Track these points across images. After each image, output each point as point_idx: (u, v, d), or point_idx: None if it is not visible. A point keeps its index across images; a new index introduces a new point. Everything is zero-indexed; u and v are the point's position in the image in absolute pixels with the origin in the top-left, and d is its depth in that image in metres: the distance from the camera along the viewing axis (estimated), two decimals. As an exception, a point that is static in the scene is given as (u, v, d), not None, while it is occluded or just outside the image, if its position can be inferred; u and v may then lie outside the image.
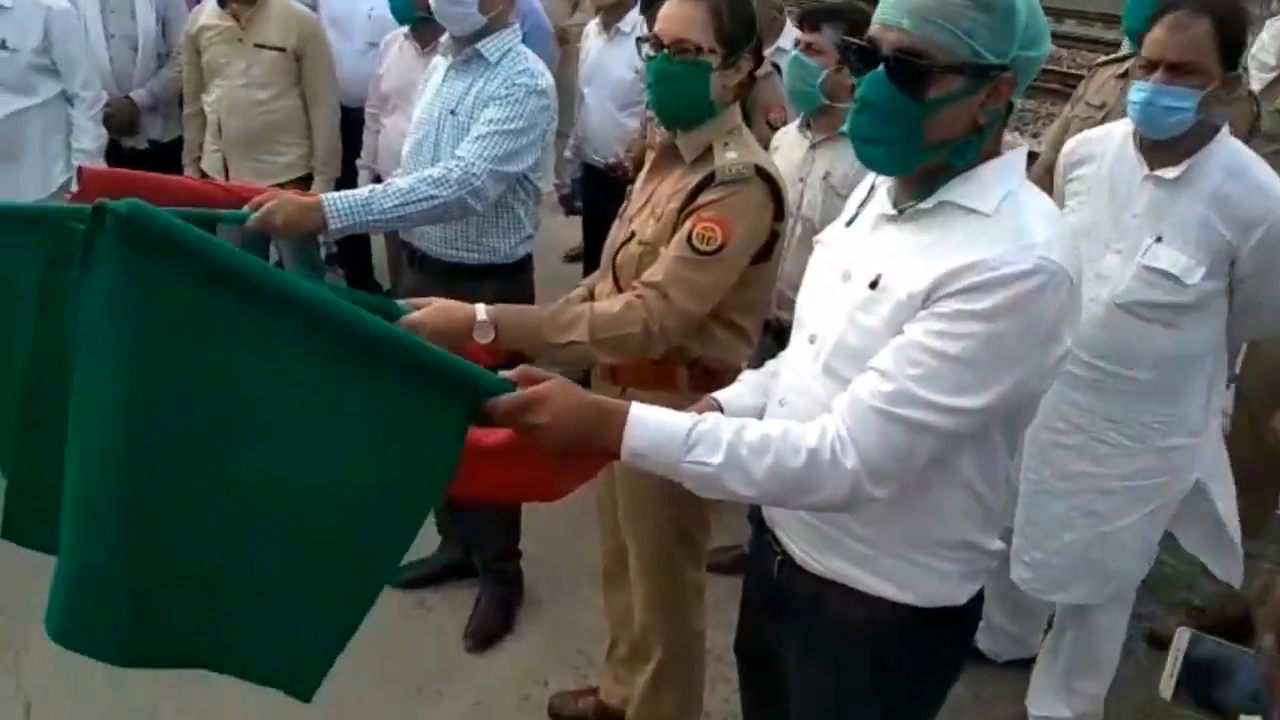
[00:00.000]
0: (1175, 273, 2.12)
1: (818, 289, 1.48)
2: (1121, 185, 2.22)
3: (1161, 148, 2.15)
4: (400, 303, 1.80)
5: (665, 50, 1.88)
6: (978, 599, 1.50)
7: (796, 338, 1.50)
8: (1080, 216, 2.28)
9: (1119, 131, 2.27)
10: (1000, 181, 1.31)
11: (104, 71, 3.64)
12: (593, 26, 4.08)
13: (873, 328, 1.32)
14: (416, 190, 2.22)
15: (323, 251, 4.91)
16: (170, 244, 1.13)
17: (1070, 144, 2.42)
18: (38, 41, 3.32)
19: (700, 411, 1.60)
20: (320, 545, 1.26)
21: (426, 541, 3.07)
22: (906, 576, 1.42)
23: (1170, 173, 2.13)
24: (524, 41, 2.50)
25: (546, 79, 2.39)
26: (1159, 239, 2.14)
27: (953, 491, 1.38)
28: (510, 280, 2.54)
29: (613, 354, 1.91)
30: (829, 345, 1.39)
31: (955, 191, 1.32)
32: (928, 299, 1.26)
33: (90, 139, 3.47)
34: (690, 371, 2.00)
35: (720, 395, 1.66)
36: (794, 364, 1.49)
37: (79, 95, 3.44)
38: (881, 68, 1.27)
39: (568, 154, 4.42)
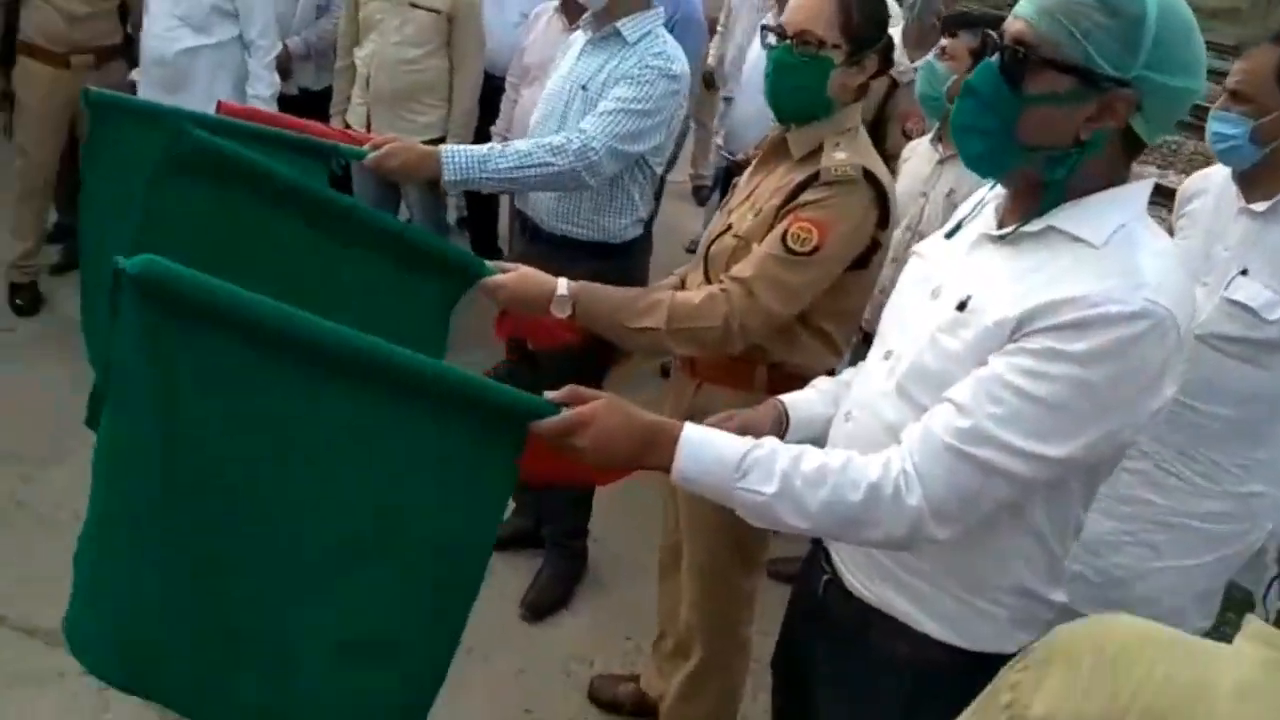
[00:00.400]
0: (1254, 306, 2.03)
1: (904, 303, 1.43)
2: (1220, 218, 2.16)
3: (1257, 181, 2.08)
4: (488, 264, 1.82)
5: (788, 41, 1.85)
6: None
7: (875, 351, 1.44)
8: (1179, 250, 2.22)
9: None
10: (1115, 212, 1.22)
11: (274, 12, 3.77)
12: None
13: (954, 352, 1.26)
14: (534, 155, 2.24)
15: (453, 216, 5.04)
16: (189, 298, 1.11)
17: (1188, 180, 2.37)
18: None
19: (763, 413, 1.60)
20: (388, 597, 1.23)
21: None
22: (957, 616, 1.36)
23: (1260, 205, 2.07)
24: (673, 30, 2.50)
25: (681, 65, 2.38)
26: (1244, 272, 2.07)
27: (1019, 537, 1.31)
28: (616, 262, 2.55)
29: (687, 345, 1.89)
30: (905, 364, 1.34)
31: (1064, 217, 1.24)
32: (1017, 330, 1.19)
33: (264, 85, 3.63)
34: (770, 374, 1.97)
35: (788, 398, 1.63)
36: (867, 378, 1.44)
37: (255, 43, 3.60)
38: (995, 56, 1.22)
39: (718, 141, 4.40)
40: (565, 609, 2.95)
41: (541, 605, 2.91)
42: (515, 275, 1.82)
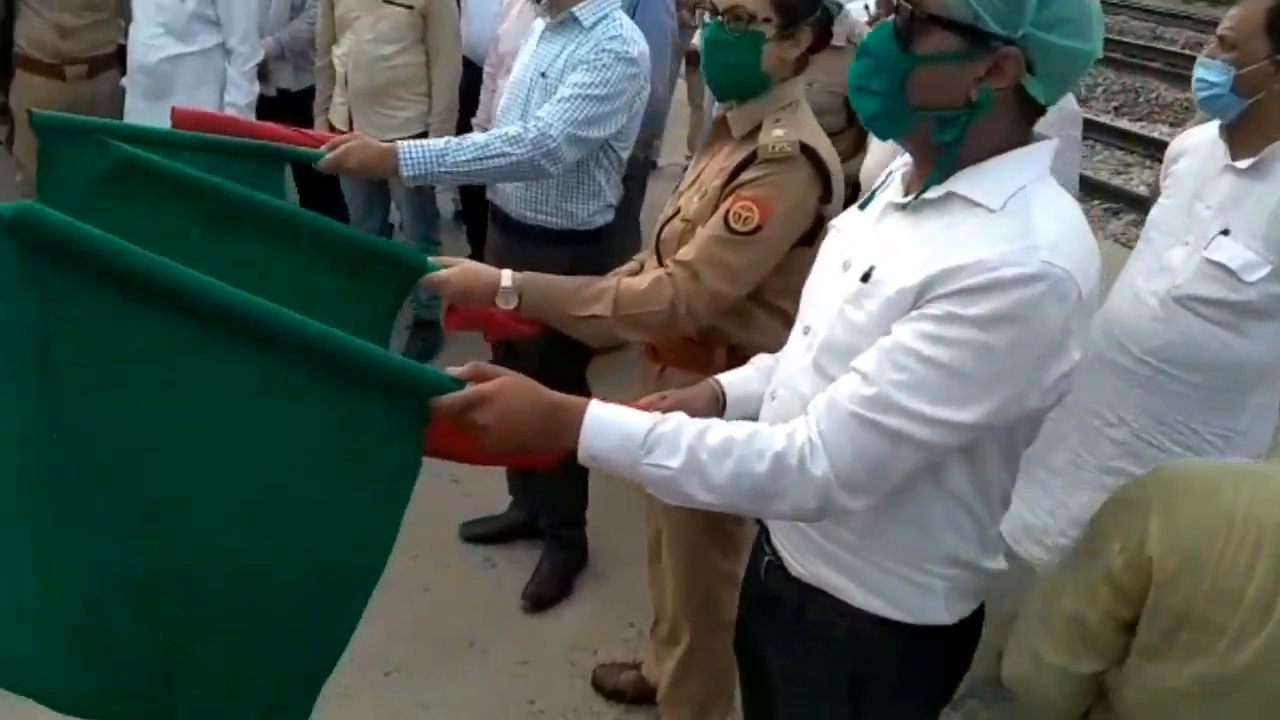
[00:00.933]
0: (1234, 267, 1.98)
1: (819, 278, 1.41)
2: (1205, 176, 2.10)
3: (1242, 137, 2.03)
4: (430, 259, 1.80)
5: (719, 18, 1.82)
6: (974, 620, 1.40)
7: (796, 328, 1.43)
8: (1160, 210, 2.17)
9: (1217, 124, 2.14)
10: (1014, 175, 1.20)
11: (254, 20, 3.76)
12: None
13: (861, 324, 1.24)
14: (491, 146, 2.22)
15: (449, 210, 5.03)
16: (71, 247, 1.06)
17: (1176, 139, 2.32)
18: None
19: (699, 393, 1.60)
20: (288, 569, 1.20)
21: (499, 498, 3.13)
22: (890, 589, 1.34)
23: (1244, 162, 2.01)
24: (634, 13, 2.46)
25: (639, 47, 2.35)
26: (1225, 232, 2.01)
27: (941, 504, 1.29)
28: (587, 248, 2.53)
29: (635, 331, 1.87)
30: (819, 339, 1.32)
31: (963, 183, 1.22)
32: (920, 298, 1.17)
33: (241, 94, 3.63)
34: (729, 355, 1.94)
35: (725, 377, 1.63)
36: (789, 356, 1.43)
37: (235, 50, 3.60)
38: (892, 17, 1.20)
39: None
40: (566, 599, 2.95)
41: (542, 596, 2.91)
42: (458, 270, 1.80)
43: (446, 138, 2.25)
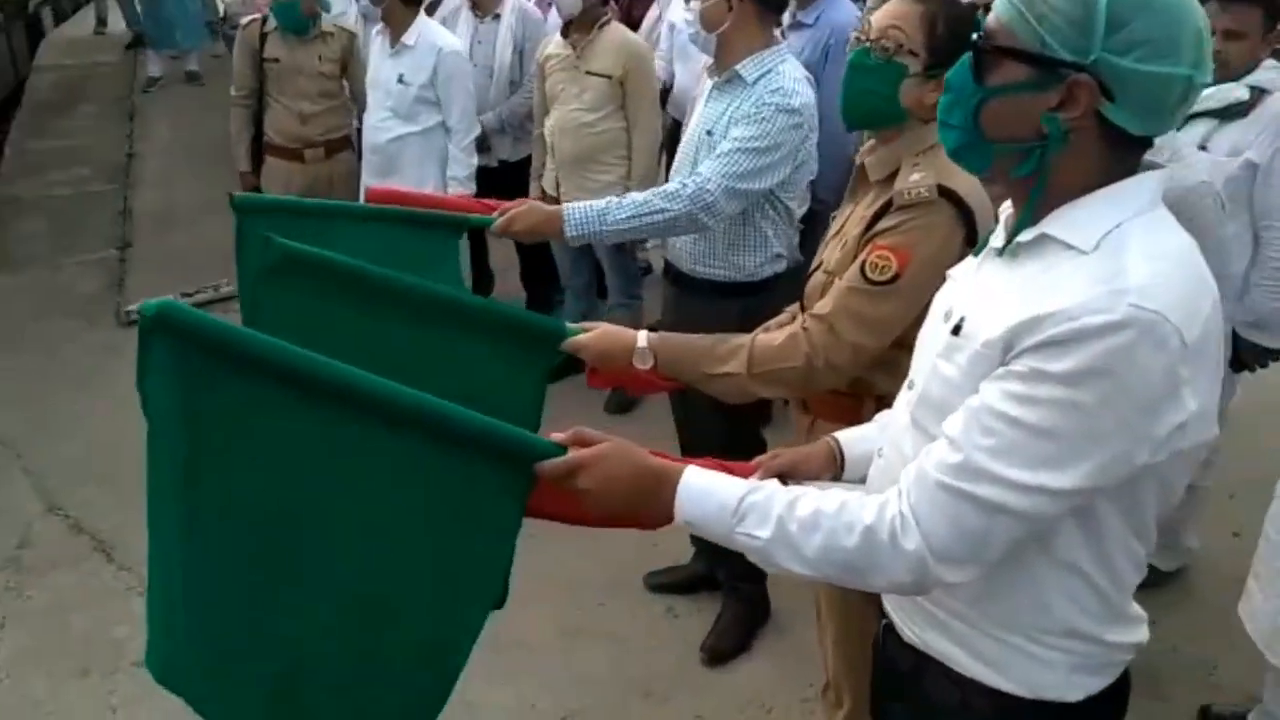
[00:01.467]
0: None
1: (926, 329, 1.36)
2: None
3: None
4: (569, 325, 1.86)
5: (868, 42, 1.78)
6: (1110, 698, 1.28)
7: (905, 383, 1.38)
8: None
9: None
10: (1107, 214, 1.12)
11: (473, 97, 4.10)
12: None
13: (952, 379, 1.19)
14: (649, 204, 2.29)
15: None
16: (206, 338, 1.19)
17: None
18: (426, 78, 3.88)
19: (813, 452, 1.58)
20: (396, 627, 1.28)
21: (687, 549, 3.15)
22: (1005, 661, 1.25)
23: None
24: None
25: (801, 98, 2.35)
26: None
27: (1055, 572, 1.20)
28: (756, 299, 2.52)
29: (772, 388, 1.84)
30: (917, 394, 1.28)
31: (1057, 224, 1.14)
32: (1007, 351, 1.10)
33: (461, 168, 3.99)
34: (879, 406, 1.86)
35: (844, 435, 1.59)
36: (895, 411, 1.38)
37: (454, 128, 3.97)
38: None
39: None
40: (746, 654, 2.91)
41: (721, 649, 2.89)
42: (597, 334, 1.84)
43: (609, 198, 2.34)
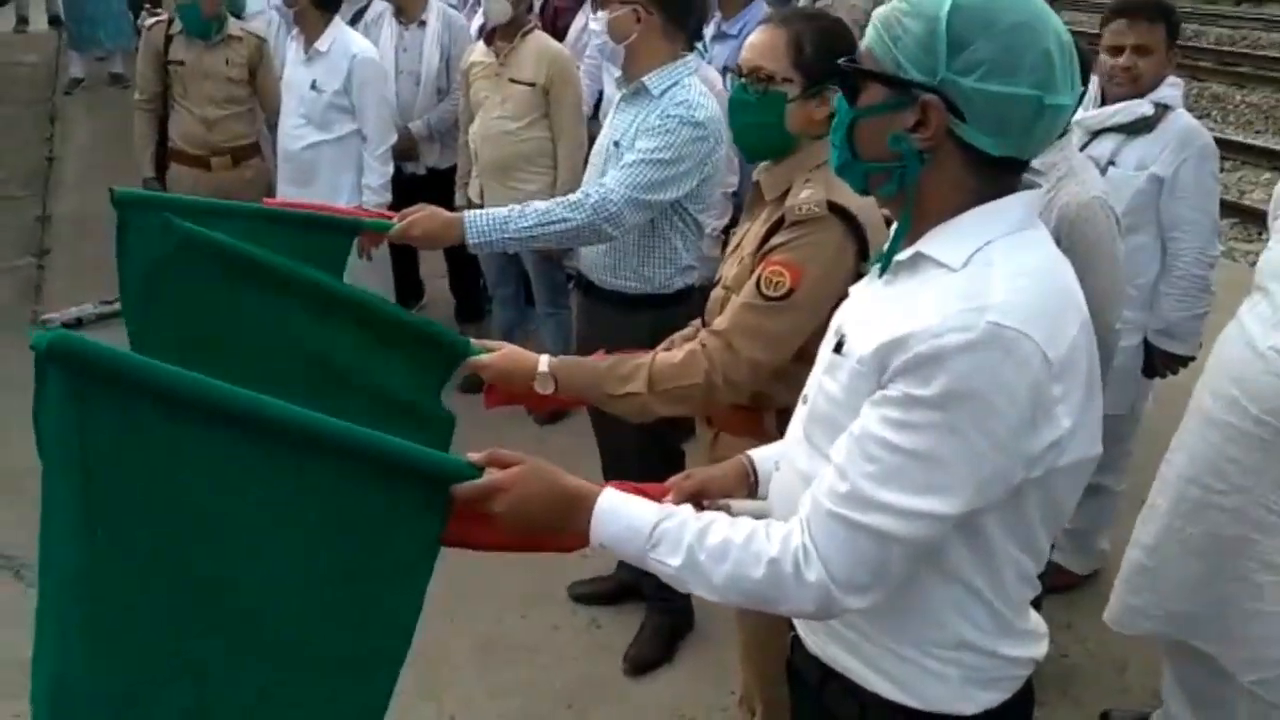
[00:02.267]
0: None
1: (822, 346, 1.36)
2: None
3: None
4: (472, 343, 1.85)
5: (742, 79, 1.82)
6: (1004, 712, 1.29)
7: (801, 397, 1.39)
8: (1276, 255, 1.93)
9: None
10: (976, 232, 1.14)
11: (390, 104, 4.08)
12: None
13: (835, 395, 1.21)
14: (552, 213, 2.29)
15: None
16: (102, 368, 1.14)
17: None
18: (340, 84, 3.83)
19: (726, 470, 1.58)
20: (313, 657, 1.26)
21: (607, 559, 3.14)
22: (901, 674, 1.26)
23: None
24: None
25: (706, 112, 2.37)
26: None
27: (945, 589, 1.21)
28: (667, 311, 2.53)
29: (674, 406, 1.85)
30: (807, 410, 1.30)
31: (931, 242, 1.17)
32: (881, 369, 1.12)
33: (375, 176, 3.93)
34: (779, 418, 1.89)
35: (757, 452, 1.60)
36: (791, 427, 1.39)
37: (369, 136, 3.91)
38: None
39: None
40: (668, 664, 2.91)
41: (643, 660, 2.88)
42: (500, 355, 1.83)
43: (511, 206, 2.33)
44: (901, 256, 1.19)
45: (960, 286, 1.10)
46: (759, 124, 1.83)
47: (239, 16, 4.27)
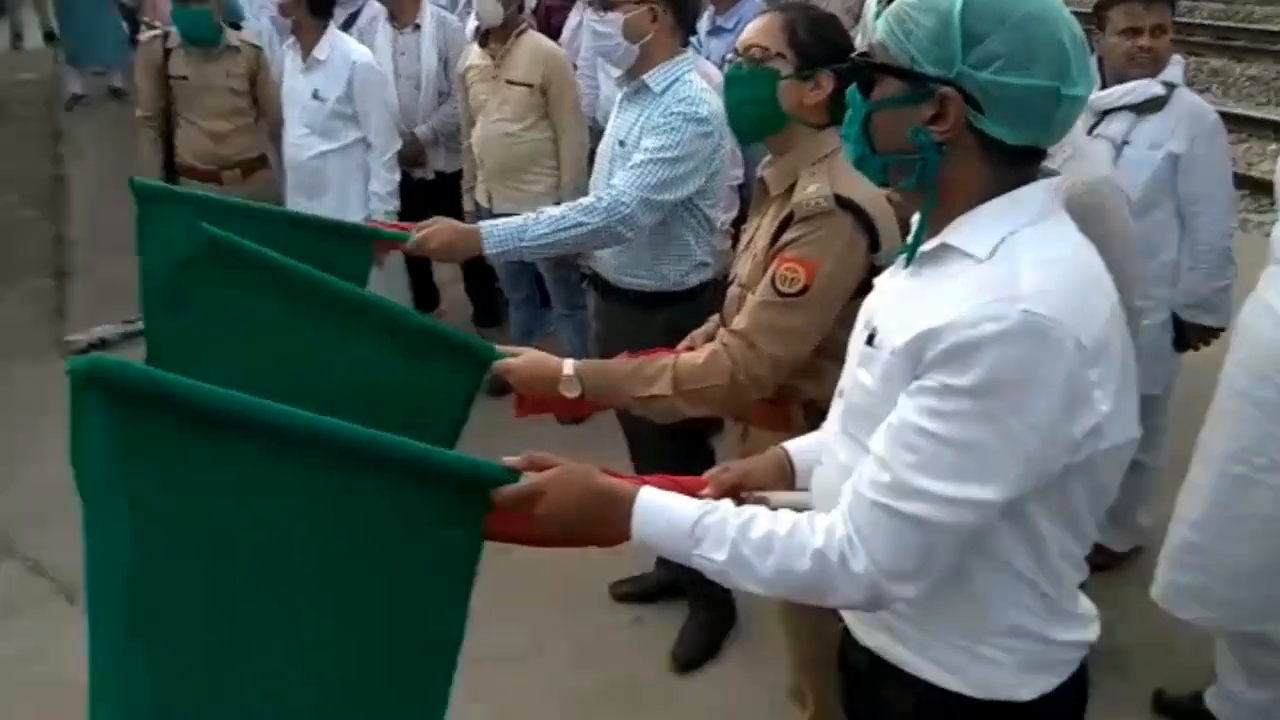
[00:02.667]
0: None
1: (853, 338, 1.37)
2: None
3: None
4: (498, 348, 1.85)
5: (739, 57, 1.85)
6: (1060, 696, 1.30)
7: (837, 390, 1.40)
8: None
9: None
10: (1000, 222, 1.15)
11: (392, 109, 4.04)
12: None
13: (870, 388, 1.22)
14: (567, 218, 2.29)
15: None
16: (143, 393, 1.13)
17: None
18: (342, 91, 3.80)
19: (763, 462, 1.60)
20: (365, 668, 1.27)
21: (645, 556, 3.13)
22: (954, 662, 1.28)
23: None
24: None
25: (709, 107, 2.35)
26: None
27: (994, 575, 1.22)
28: (684, 307, 2.53)
29: (700, 406, 1.85)
30: (844, 403, 1.32)
31: (955, 233, 1.18)
32: (915, 360, 1.13)
33: (382, 184, 3.91)
34: (806, 411, 1.91)
35: (793, 445, 1.61)
36: (829, 420, 1.41)
37: (373, 143, 3.89)
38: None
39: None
40: (714, 660, 2.91)
41: (690, 657, 2.88)
42: (523, 359, 1.85)
43: (526, 215, 2.32)
44: (926, 248, 1.20)
45: (990, 277, 1.11)
46: (752, 99, 1.85)
47: (237, 27, 4.23)
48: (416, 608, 1.28)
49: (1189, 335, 2.89)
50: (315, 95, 3.81)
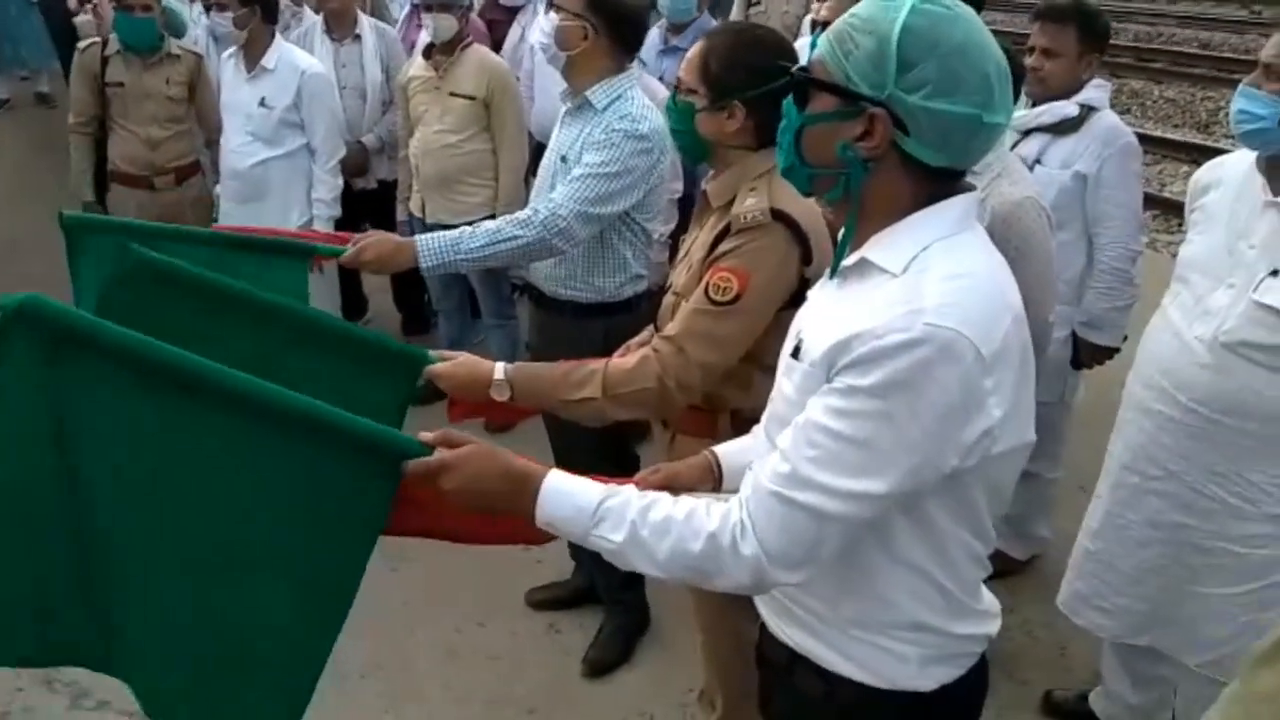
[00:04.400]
0: None
1: (784, 348, 1.43)
2: (1242, 213, 1.98)
3: None
4: (431, 353, 1.89)
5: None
6: (960, 686, 1.37)
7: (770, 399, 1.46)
8: (1194, 248, 2.06)
9: (1250, 155, 2.02)
10: (914, 238, 1.22)
11: (338, 118, 4.09)
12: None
13: (789, 396, 1.29)
14: (502, 231, 2.34)
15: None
16: (73, 330, 1.22)
17: (1200, 170, 2.21)
18: (290, 100, 3.83)
19: (693, 465, 1.63)
20: (265, 608, 1.32)
21: (563, 564, 3.19)
22: (861, 654, 1.34)
23: None
24: None
25: (650, 124, 2.42)
26: (1275, 272, 1.89)
27: (895, 571, 1.29)
28: (620, 319, 2.58)
29: (629, 410, 1.90)
30: (768, 410, 1.38)
31: (874, 248, 1.25)
32: (830, 370, 1.20)
33: (326, 190, 3.94)
34: (733, 419, 1.97)
35: (722, 448, 1.66)
36: (759, 426, 1.47)
37: (318, 150, 3.92)
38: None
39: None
40: (627, 664, 2.96)
41: (602, 661, 2.93)
42: (456, 363, 1.87)
43: (461, 228, 2.37)
44: (849, 262, 1.27)
45: (900, 291, 1.18)
46: (677, 129, 1.97)
47: (179, 37, 4.23)
48: (315, 564, 1.33)
49: (1083, 353, 2.99)
50: (262, 103, 3.82)
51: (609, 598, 3.02)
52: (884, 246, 1.24)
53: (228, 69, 3.96)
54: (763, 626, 1.51)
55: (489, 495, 1.32)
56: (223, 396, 1.26)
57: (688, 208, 3.43)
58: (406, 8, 4.84)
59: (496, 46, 4.39)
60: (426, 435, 1.36)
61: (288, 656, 1.35)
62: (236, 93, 3.88)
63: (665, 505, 1.28)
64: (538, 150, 4.09)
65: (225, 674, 1.34)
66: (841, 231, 1.29)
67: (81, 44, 4.17)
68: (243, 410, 1.26)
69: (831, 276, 1.32)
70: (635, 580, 2.98)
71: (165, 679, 1.36)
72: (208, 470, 1.28)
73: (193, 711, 1.37)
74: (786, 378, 1.31)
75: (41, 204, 6.27)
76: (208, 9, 4.28)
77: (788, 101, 1.30)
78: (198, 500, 1.29)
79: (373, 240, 2.23)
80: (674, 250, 3.09)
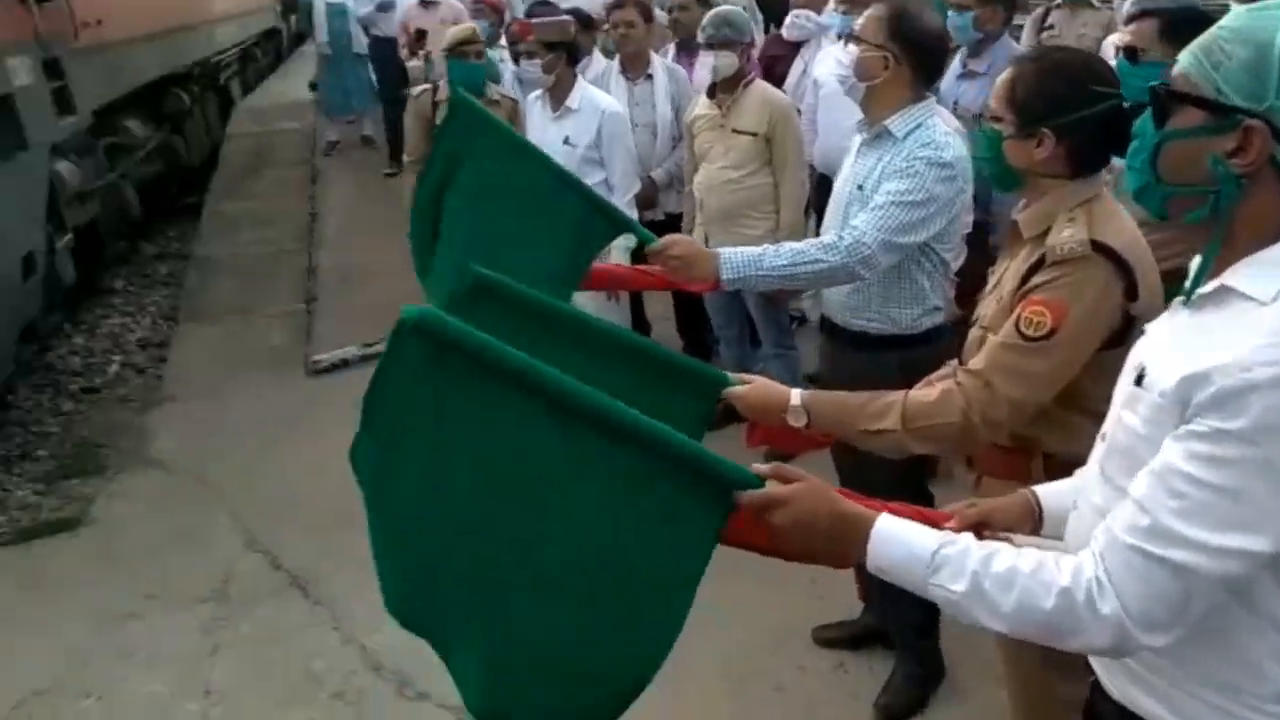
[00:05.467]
0: None
1: (1120, 382, 1.34)
2: None
3: None
4: (730, 375, 1.90)
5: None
6: None
7: (1099, 435, 1.37)
8: None
9: None
10: None
11: (632, 155, 4.26)
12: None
13: (1134, 428, 1.19)
14: (806, 253, 2.33)
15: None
16: (463, 345, 1.33)
17: None
18: (592, 138, 4.04)
19: (1011, 504, 1.58)
20: (591, 623, 1.35)
21: (856, 603, 3.11)
22: None
23: None
24: None
25: (953, 152, 2.34)
26: None
27: (1259, 632, 1.16)
28: (914, 352, 2.50)
29: (927, 443, 1.83)
30: (1105, 445, 1.28)
31: (1237, 274, 1.14)
32: (1184, 404, 1.10)
33: None
34: (1047, 464, 1.85)
35: (1043, 489, 1.58)
36: (1089, 464, 1.38)
37: (616, 186, 4.10)
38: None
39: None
40: (919, 714, 2.83)
41: (895, 709, 2.82)
42: (753, 386, 1.87)
43: (765, 246, 2.38)
44: (1205, 289, 1.17)
45: (1270, 321, 1.07)
46: (984, 158, 1.90)
47: (497, 83, 4.58)
48: (646, 584, 1.34)
49: None
50: (566, 141, 4.04)
51: (901, 642, 2.91)
52: (1249, 273, 1.12)
53: (534, 110, 4.21)
54: (1095, 684, 1.39)
55: (818, 535, 1.30)
56: (587, 415, 1.32)
57: (977, 240, 3.27)
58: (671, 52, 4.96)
59: (779, 82, 4.41)
60: (760, 468, 1.36)
61: (619, 669, 1.37)
62: (543, 133, 4.11)
63: (1008, 555, 1.21)
64: (820, 183, 4.11)
65: (553, 684, 1.38)
66: (1200, 257, 1.19)
67: (415, 90, 4.60)
68: (602, 429, 1.32)
69: (1185, 304, 1.22)
70: (931, 627, 2.86)
71: (495, 681, 1.41)
72: (563, 484, 1.34)
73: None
74: (1128, 409, 1.21)
75: (367, 238, 7.10)
76: (516, 58, 4.60)
77: (1142, 120, 1.22)
78: (543, 505, 1.35)
79: (683, 239, 2.30)
80: (959, 287, 2.98)
